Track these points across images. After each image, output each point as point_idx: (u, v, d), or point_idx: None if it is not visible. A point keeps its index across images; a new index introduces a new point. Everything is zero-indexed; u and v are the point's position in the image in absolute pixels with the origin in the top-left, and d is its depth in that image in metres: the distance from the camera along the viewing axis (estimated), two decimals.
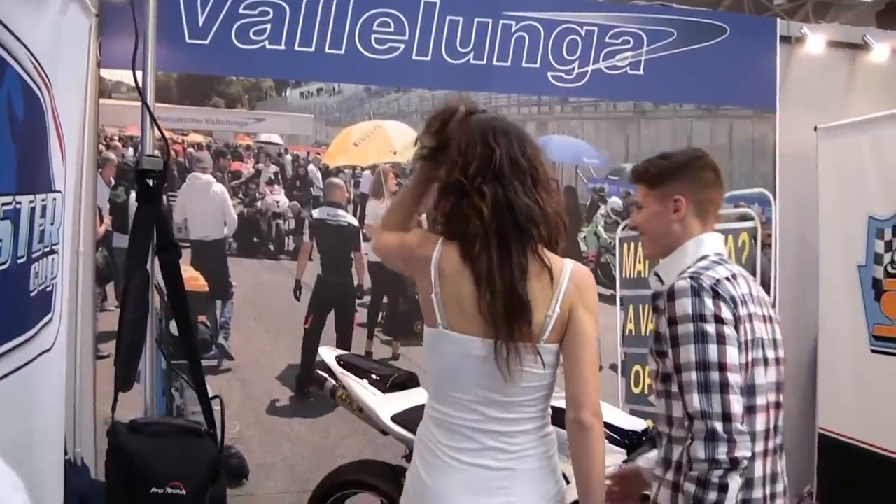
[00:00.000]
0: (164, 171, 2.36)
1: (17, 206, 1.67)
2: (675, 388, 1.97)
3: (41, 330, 1.91)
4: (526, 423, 1.99)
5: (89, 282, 2.61)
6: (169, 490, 2.12)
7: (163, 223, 2.36)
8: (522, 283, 1.92)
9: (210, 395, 2.42)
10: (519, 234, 1.94)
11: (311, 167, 20.72)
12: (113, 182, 9.29)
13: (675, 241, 2.16)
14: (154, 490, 2.12)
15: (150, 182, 2.35)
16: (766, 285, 5.37)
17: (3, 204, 1.58)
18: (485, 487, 1.94)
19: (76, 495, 2.25)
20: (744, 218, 5.64)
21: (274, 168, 20.93)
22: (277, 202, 19.06)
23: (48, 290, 1.98)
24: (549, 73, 3.99)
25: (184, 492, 2.13)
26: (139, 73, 2.57)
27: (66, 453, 2.23)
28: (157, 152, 2.58)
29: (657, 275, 2.17)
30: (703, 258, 2.12)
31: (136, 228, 2.36)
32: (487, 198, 1.94)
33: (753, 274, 5.13)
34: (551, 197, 1.98)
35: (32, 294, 1.83)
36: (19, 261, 1.70)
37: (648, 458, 2.32)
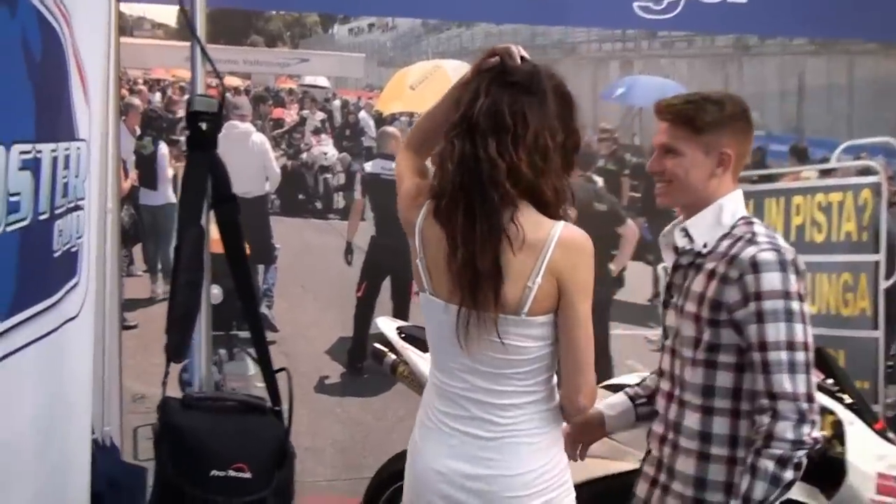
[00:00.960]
0: (220, 112, 2.35)
1: (38, 155, 1.69)
2: (723, 359, 2.13)
3: (66, 295, 1.94)
4: (518, 397, 2.07)
5: (116, 243, 2.64)
6: (231, 473, 2.09)
7: (219, 172, 2.34)
8: (488, 248, 1.98)
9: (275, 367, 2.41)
10: (481, 194, 1.99)
11: (362, 114, 20.73)
12: (138, 131, 9.56)
13: (706, 197, 2.24)
14: (214, 473, 2.08)
15: (204, 125, 2.34)
16: (893, 250, 5.18)
17: (22, 153, 1.59)
18: (470, 456, 2.07)
19: (105, 478, 2.30)
20: (866, 172, 5.37)
21: (321, 115, 21.05)
22: (325, 154, 19.14)
23: (73, 250, 2.02)
24: (634, 3, 3.86)
25: (249, 475, 2.10)
26: (173, 8, 2.56)
27: (92, 432, 2.28)
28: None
29: (686, 231, 2.24)
30: (744, 220, 2.22)
31: (189, 178, 2.33)
32: (455, 151, 2.02)
33: (877, 238, 5.03)
34: (546, 163, 2.01)
35: (56, 254, 1.86)
36: (41, 217, 1.73)
37: (611, 405, 2.49)
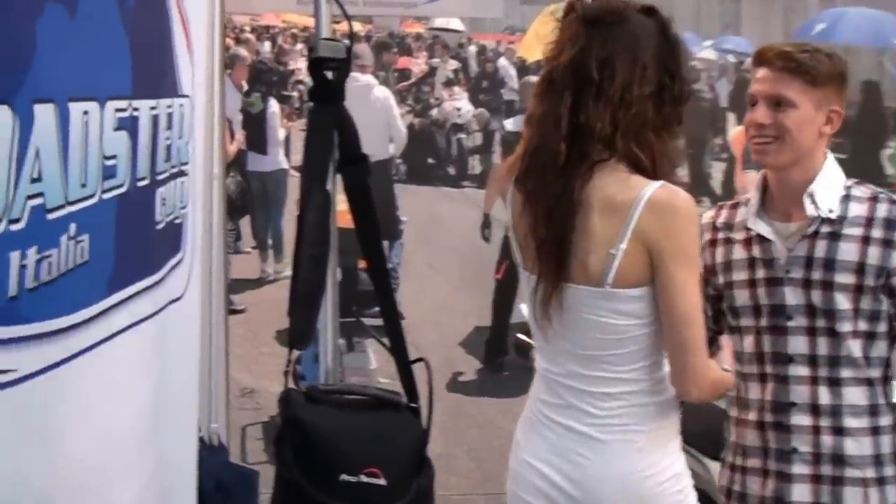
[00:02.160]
0: (348, 59, 2.38)
1: (135, 113, 1.76)
2: (881, 328, 2.36)
3: (170, 273, 2.02)
4: (613, 385, 2.16)
5: (221, 214, 2.73)
6: (363, 478, 2.11)
7: (347, 129, 2.35)
8: (562, 213, 2.12)
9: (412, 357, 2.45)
10: (554, 156, 2.13)
11: (502, 62, 20.80)
12: (245, 87, 9.85)
13: (811, 158, 2.41)
14: (344, 477, 2.10)
15: (330, 74, 2.37)
16: None
17: (118, 110, 1.65)
18: (566, 451, 2.20)
19: (212, 480, 2.39)
20: None
21: (453, 64, 21.23)
22: (458, 110, 19.36)
23: (177, 221, 2.09)
24: None
25: (383, 481, 2.11)
26: None
27: (198, 429, 2.38)
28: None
29: (812, 197, 2.38)
30: (852, 181, 2.45)
31: (313, 135, 2.35)
32: (537, 112, 2.19)
33: None
34: (635, 119, 2.11)
35: (159, 226, 1.94)
36: (140, 183, 1.80)
37: None
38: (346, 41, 2.42)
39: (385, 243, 8.22)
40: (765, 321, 2.42)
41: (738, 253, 2.48)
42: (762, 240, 2.44)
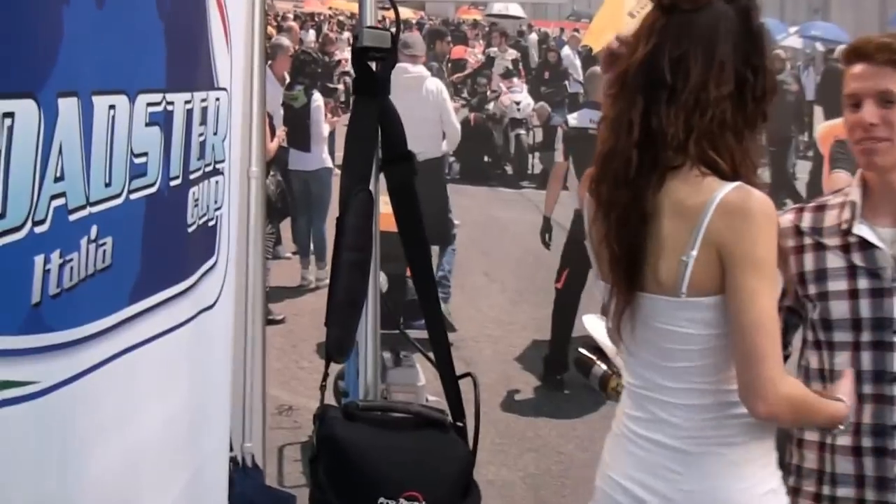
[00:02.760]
0: (394, 48, 2.40)
1: (169, 107, 1.78)
2: None
3: (202, 279, 2.04)
4: (700, 396, 2.19)
5: (260, 217, 2.76)
6: (403, 502, 2.15)
7: (391, 124, 2.38)
8: (632, 219, 2.19)
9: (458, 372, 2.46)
10: (625, 161, 2.19)
11: (565, 51, 20.76)
12: (287, 79, 9.92)
13: None
14: (382, 501, 2.14)
15: (374, 65, 2.39)
16: None
17: (150, 104, 1.68)
18: (654, 468, 2.23)
19: (245, 503, 2.41)
20: None
21: (512, 54, 21.25)
22: (517, 104, 19.31)
23: (211, 224, 2.12)
24: None
25: None
26: None
27: (230, 449, 2.40)
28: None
29: None
30: None
31: (356, 131, 2.38)
32: (610, 115, 2.26)
33: None
34: (711, 121, 2.14)
35: (191, 229, 1.96)
36: (173, 183, 1.82)
37: None
38: (393, 29, 2.43)
39: (435, 249, 8.26)
40: (867, 336, 2.40)
41: (834, 261, 2.45)
42: (864, 247, 2.42)
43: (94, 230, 1.45)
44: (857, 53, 2.43)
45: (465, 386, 2.44)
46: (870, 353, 2.40)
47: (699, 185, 2.14)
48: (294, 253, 9.61)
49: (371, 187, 2.36)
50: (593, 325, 3.74)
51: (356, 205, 2.28)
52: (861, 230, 2.42)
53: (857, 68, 2.42)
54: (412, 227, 2.40)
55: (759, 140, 2.25)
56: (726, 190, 2.11)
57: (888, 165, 2.40)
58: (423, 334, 2.51)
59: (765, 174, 2.31)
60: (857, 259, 2.42)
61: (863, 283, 2.41)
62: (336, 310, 2.24)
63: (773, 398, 2.09)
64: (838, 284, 2.43)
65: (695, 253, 2.12)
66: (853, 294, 2.42)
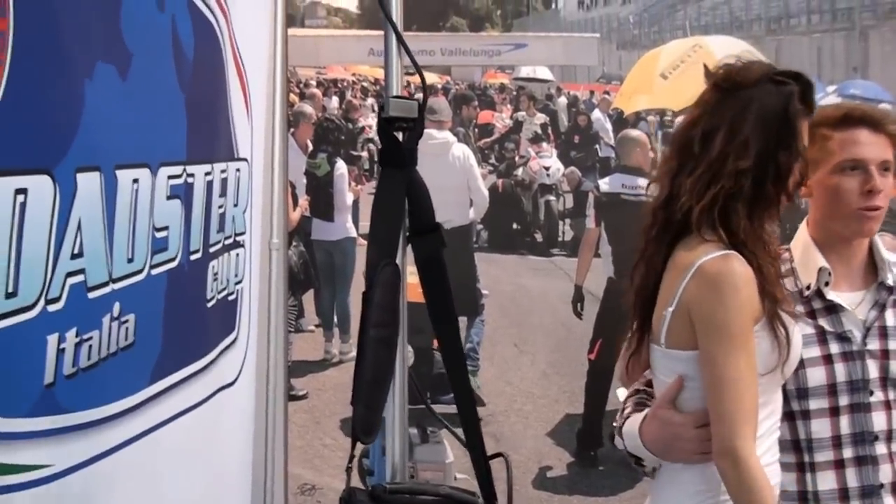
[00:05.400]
0: (420, 119, 2.43)
1: (189, 179, 1.80)
2: None
3: (222, 355, 2.05)
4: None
5: (282, 289, 2.77)
6: None
7: (419, 195, 2.41)
8: (638, 271, 2.49)
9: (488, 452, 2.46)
10: (652, 221, 2.46)
11: (596, 114, 20.84)
12: (310, 147, 10.01)
13: None
14: None
15: (401, 135, 2.43)
16: None
17: (170, 177, 1.70)
18: None
19: None
20: None
21: (541, 118, 21.40)
22: (547, 169, 19.40)
23: (231, 298, 2.13)
24: None
25: None
26: None
27: None
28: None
29: (888, 264, 2.58)
30: None
31: (382, 202, 2.41)
32: (657, 174, 2.53)
33: None
34: (721, 194, 2.31)
35: (210, 304, 1.97)
36: (193, 257, 1.83)
37: None
38: (420, 96, 2.46)
39: (464, 320, 8.26)
40: (844, 400, 2.49)
41: (803, 328, 2.51)
42: (830, 311, 2.52)
43: (116, 307, 1.46)
44: (860, 119, 2.54)
45: (496, 464, 2.43)
46: (848, 416, 2.49)
47: (696, 247, 2.34)
48: (317, 325, 9.61)
49: (398, 261, 2.37)
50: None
51: (383, 279, 2.29)
52: (831, 296, 2.53)
53: (861, 133, 2.53)
54: (441, 300, 2.41)
55: (776, 218, 2.41)
56: (710, 256, 2.31)
57: (874, 232, 2.56)
58: (451, 409, 2.51)
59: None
60: (826, 324, 2.51)
61: (835, 348, 2.50)
62: (363, 388, 2.24)
63: (731, 458, 2.23)
64: (811, 351, 2.50)
65: (672, 309, 2.34)
66: (827, 360, 2.50)
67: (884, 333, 2.53)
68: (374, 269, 2.29)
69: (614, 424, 3.62)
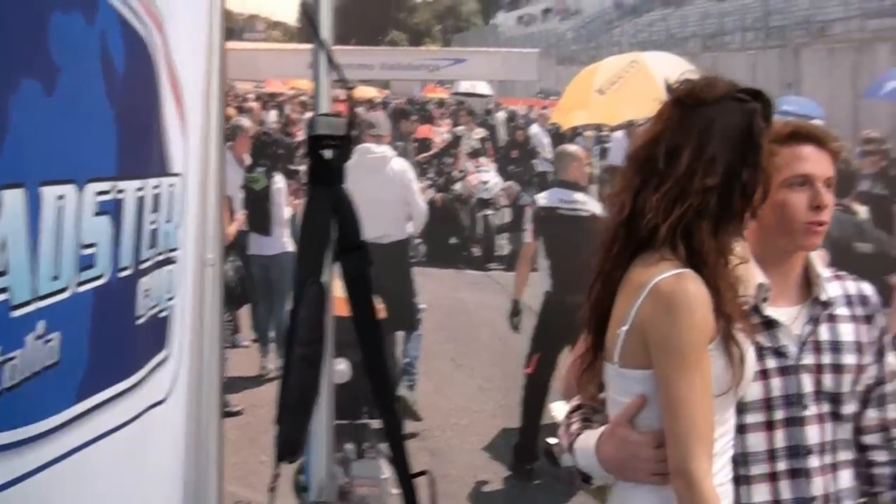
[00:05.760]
0: (348, 136, 2.43)
1: (119, 195, 1.79)
2: (849, 410, 2.61)
3: (152, 373, 2.03)
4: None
5: (217, 305, 2.75)
6: None
7: (346, 213, 2.42)
8: (594, 289, 2.49)
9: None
10: (611, 237, 2.45)
11: (534, 129, 20.98)
12: (248, 161, 9.96)
13: None
14: None
15: (328, 153, 2.43)
16: None
17: (99, 193, 1.68)
18: None
19: None
20: None
21: (480, 133, 21.47)
22: (485, 183, 19.47)
23: (162, 315, 2.11)
24: None
25: None
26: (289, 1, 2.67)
27: None
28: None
29: (820, 279, 2.65)
30: None
31: (309, 221, 2.43)
32: (614, 192, 2.50)
33: None
34: (686, 211, 2.31)
35: (140, 321, 1.96)
36: (122, 274, 1.82)
37: None
38: (348, 115, 2.46)
39: (401, 335, 8.26)
40: (779, 414, 2.53)
41: None
42: (768, 326, 2.56)
43: (41, 326, 1.44)
44: (806, 136, 2.60)
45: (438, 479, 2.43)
46: (783, 430, 2.54)
47: (651, 266, 2.33)
48: (254, 340, 9.55)
49: (325, 278, 2.38)
50: (563, 412, 3.74)
51: (309, 298, 2.30)
52: (769, 311, 2.57)
53: (804, 149, 2.58)
54: (367, 319, 2.43)
55: (739, 234, 2.41)
56: (665, 275, 2.30)
57: (817, 247, 2.62)
58: None
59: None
60: (763, 339, 2.55)
61: (771, 363, 2.55)
62: (288, 408, 2.25)
63: (686, 480, 2.24)
64: None
65: (626, 328, 2.34)
66: (764, 375, 2.54)
67: (818, 348, 2.57)
68: (300, 288, 2.31)
69: (551, 440, 3.63)
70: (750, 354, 2.37)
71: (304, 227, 2.40)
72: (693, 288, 2.28)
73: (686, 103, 2.38)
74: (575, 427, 2.59)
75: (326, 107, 2.55)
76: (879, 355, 2.66)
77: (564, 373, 2.78)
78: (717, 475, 2.32)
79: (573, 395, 2.71)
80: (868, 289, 2.70)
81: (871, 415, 2.66)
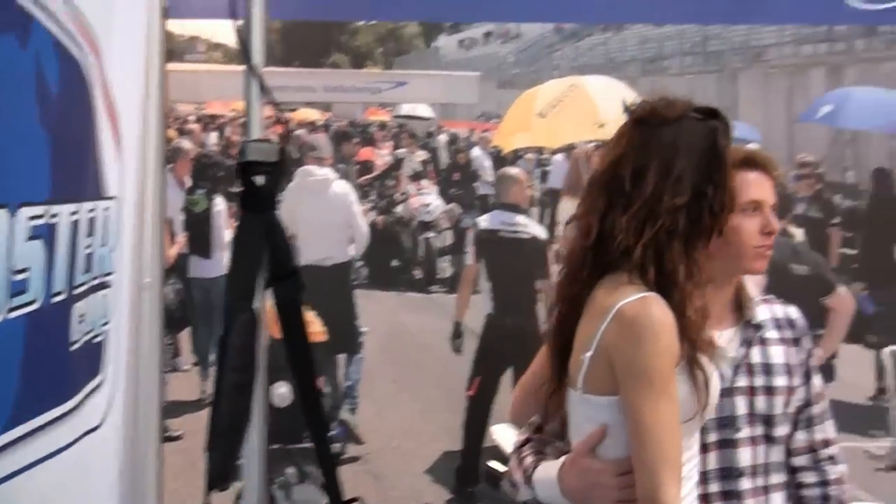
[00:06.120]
0: (281, 163, 2.43)
1: (53, 219, 1.77)
2: (781, 433, 2.63)
3: (86, 399, 2.00)
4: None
5: (157, 328, 2.72)
6: None
7: (278, 240, 2.44)
8: (561, 314, 2.43)
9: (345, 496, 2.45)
10: (579, 260, 2.40)
11: (475, 152, 20.96)
12: (189, 183, 9.90)
13: None
14: None
15: (260, 180, 2.42)
16: None
17: (32, 217, 1.66)
18: None
19: None
20: None
21: (421, 155, 21.44)
22: (426, 206, 19.42)
23: (97, 340, 2.09)
24: None
25: None
26: (228, 23, 2.65)
27: None
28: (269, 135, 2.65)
29: (752, 302, 2.68)
30: None
31: (240, 248, 2.44)
32: (577, 214, 2.45)
33: None
34: (658, 233, 2.28)
35: (74, 347, 1.93)
36: (55, 299, 1.79)
37: None
38: (281, 141, 2.47)
39: (343, 357, 8.22)
40: (713, 437, 2.53)
41: None
42: None
43: None
44: (752, 162, 2.60)
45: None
46: (716, 452, 2.54)
47: (616, 289, 2.28)
48: (194, 364, 9.45)
49: (256, 305, 2.37)
50: (503, 435, 3.75)
51: (240, 325, 2.29)
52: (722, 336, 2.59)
53: (754, 176, 2.59)
54: (299, 346, 2.43)
55: (707, 253, 2.38)
56: (629, 298, 2.25)
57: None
58: (332, 448, 2.51)
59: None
60: (756, 355, 2.60)
61: (759, 381, 2.58)
62: (218, 435, 2.23)
63: (645, 501, 2.20)
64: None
65: (590, 353, 2.28)
66: (753, 391, 2.58)
67: (751, 370, 2.59)
68: (232, 315, 2.30)
69: (492, 464, 3.62)
70: (714, 379, 2.34)
71: (235, 254, 2.40)
72: (658, 312, 2.24)
73: (648, 123, 2.35)
74: (529, 461, 2.55)
75: (258, 132, 2.55)
76: (807, 378, 2.67)
77: (513, 398, 2.69)
78: (685, 500, 2.30)
79: (524, 421, 2.66)
80: (795, 312, 2.73)
81: (800, 437, 2.67)
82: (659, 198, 2.28)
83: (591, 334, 2.30)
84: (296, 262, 2.46)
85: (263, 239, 2.39)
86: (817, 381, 2.70)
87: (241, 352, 2.29)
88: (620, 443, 2.28)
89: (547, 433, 2.57)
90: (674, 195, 2.28)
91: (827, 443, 2.70)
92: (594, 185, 2.40)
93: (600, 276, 2.34)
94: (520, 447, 2.62)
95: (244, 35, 2.54)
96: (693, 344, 2.26)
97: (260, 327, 2.40)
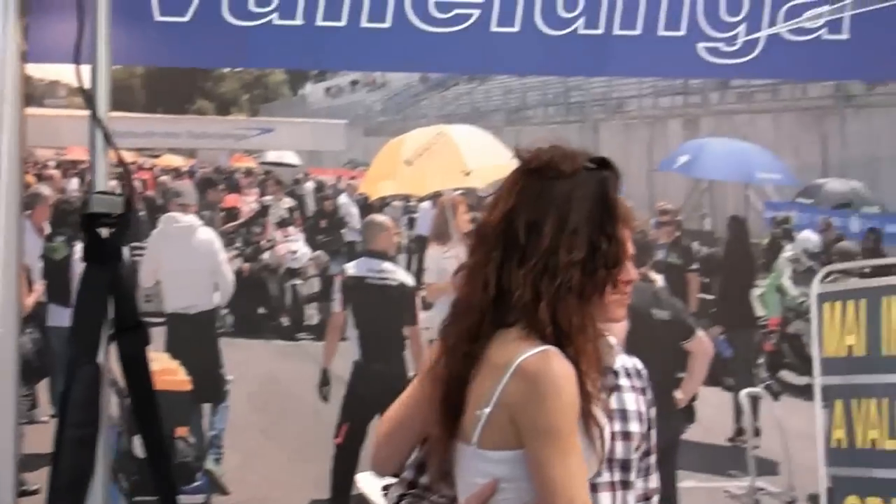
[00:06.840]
0: (126, 215, 2.40)
1: None
2: (634, 478, 2.64)
3: None
4: None
5: (13, 380, 2.65)
6: None
7: (123, 292, 2.40)
8: (452, 369, 2.30)
9: None
10: (466, 314, 2.33)
11: (342, 199, 21.07)
12: (48, 230, 9.66)
13: None
14: None
15: (104, 232, 2.38)
16: None
17: None
18: None
19: None
20: None
21: (288, 202, 21.45)
22: (293, 253, 19.26)
23: None
24: (699, 44, 3.94)
25: None
26: (85, 69, 2.62)
27: None
28: (114, 186, 2.62)
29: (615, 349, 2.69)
30: None
31: (83, 301, 2.39)
32: (467, 266, 2.38)
33: None
34: (553, 285, 2.24)
35: None
36: None
37: None
38: (126, 193, 2.45)
39: (208, 407, 8.08)
40: (617, 475, 2.57)
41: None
42: (615, 389, 2.61)
43: None
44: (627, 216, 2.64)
45: None
46: (621, 492, 2.58)
47: (513, 345, 2.23)
48: (52, 416, 9.17)
49: (100, 359, 2.34)
50: (367, 483, 3.72)
51: (82, 378, 2.26)
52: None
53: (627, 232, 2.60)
54: (145, 400, 2.40)
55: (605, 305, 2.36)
56: (529, 353, 2.20)
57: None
58: (195, 499, 2.47)
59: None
60: (613, 402, 2.60)
61: (616, 426, 2.57)
62: (58, 493, 2.19)
63: None
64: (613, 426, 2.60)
65: (488, 410, 2.22)
66: (613, 437, 2.56)
67: (610, 416, 2.54)
68: (74, 369, 2.26)
69: None
70: (607, 432, 2.33)
71: (78, 307, 2.37)
72: (558, 366, 2.20)
73: (543, 174, 2.32)
74: None
75: (104, 184, 2.52)
76: (649, 427, 2.68)
77: (374, 445, 2.62)
78: None
79: (387, 470, 2.59)
80: (639, 363, 2.74)
81: (639, 485, 2.67)
82: (555, 252, 2.25)
83: (488, 390, 2.23)
84: (140, 315, 2.43)
85: (108, 291, 2.35)
86: (654, 432, 2.72)
87: (84, 406, 2.25)
88: (511, 499, 2.24)
89: (420, 486, 2.51)
90: (570, 249, 2.25)
91: (656, 491, 2.75)
92: (486, 234, 2.34)
93: (493, 333, 2.28)
94: (396, 501, 2.56)
95: (92, 82, 2.52)
96: (587, 397, 2.23)
97: (103, 381, 2.37)
